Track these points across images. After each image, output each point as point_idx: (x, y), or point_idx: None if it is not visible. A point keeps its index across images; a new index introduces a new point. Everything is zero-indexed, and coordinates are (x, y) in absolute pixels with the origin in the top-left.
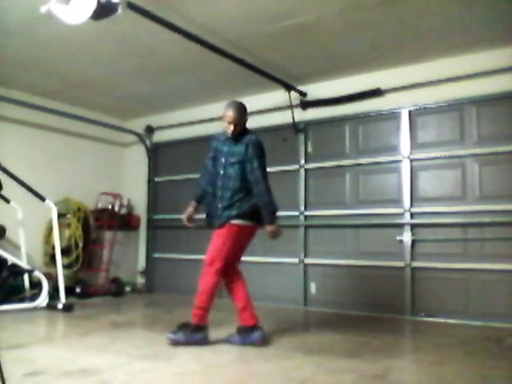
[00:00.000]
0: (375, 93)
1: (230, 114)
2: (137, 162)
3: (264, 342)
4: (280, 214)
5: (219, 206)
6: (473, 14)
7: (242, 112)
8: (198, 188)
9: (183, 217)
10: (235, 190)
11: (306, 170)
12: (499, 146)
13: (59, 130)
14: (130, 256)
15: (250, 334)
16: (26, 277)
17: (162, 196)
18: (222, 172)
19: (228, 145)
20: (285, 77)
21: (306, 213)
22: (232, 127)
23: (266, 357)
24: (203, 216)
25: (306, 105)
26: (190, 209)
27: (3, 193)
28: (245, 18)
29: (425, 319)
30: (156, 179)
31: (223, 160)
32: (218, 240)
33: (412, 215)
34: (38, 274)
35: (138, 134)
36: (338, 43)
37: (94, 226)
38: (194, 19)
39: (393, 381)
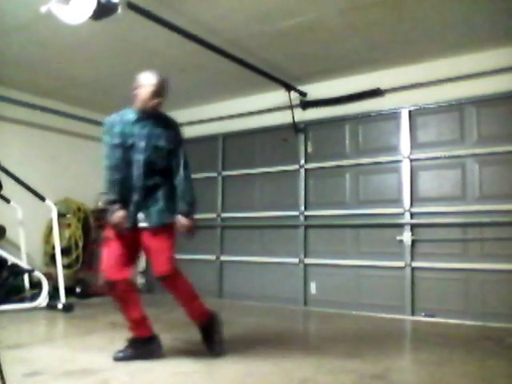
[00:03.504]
0: (375, 93)
1: (160, 83)
2: None
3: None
4: (280, 214)
5: (146, 199)
6: (472, 14)
7: (167, 85)
8: (115, 185)
9: (118, 221)
10: (163, 179)
11: (306, 169)
12: (499, 146)
13: (59, 129)
14: None
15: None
16: (26, 277)
17: None
18: (143, 158)
19: (144, 126)
20: (285, 77)
21: (306, 213)
22: (158, 101)
23: (266, 357)
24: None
25: (306, 105)
26: (121, 210)
27: (3, 193)
28: (245, 18)
29: (425, 319)
30: None
31: (143, 144)
32: (167, 243)
33: (412, 215)
34: (38, 274)
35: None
36: (338, 43)
37: (94, 226)
38: (194, 19)
39: (393, 381)
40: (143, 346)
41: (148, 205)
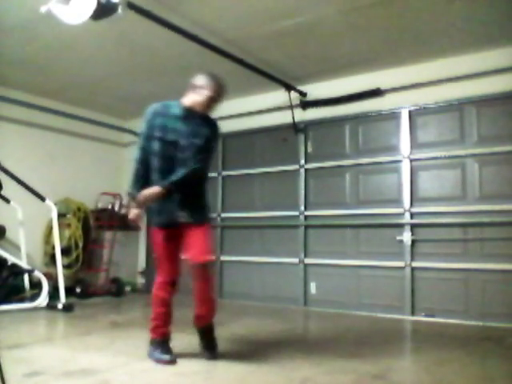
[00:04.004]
0: (375, 93)
1: (220, 91)
2: None
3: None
4: (280, 214)
5: (188, 197)
6: (472, 14)
7: (225, 92)
8: (140, 179)
9: (133, 218)
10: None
11: (306, 169)
12: (499, 146)
13: (59, 129)
14: (129, 256)
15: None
16: (26, 277)
17: None
18: (186, 156)
19: (189, 124)
20: (285, 77)
21: (306, 213)
22: (212, 107)
23: (266, 357)
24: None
25: (305, 105)
26: (138, 209)
27: (3, 193)
28: (245, 18)
29: (425, 319)
30: None
31: (186, 142)
32: (209, 237)
33: (412, 215)
34: (37, 273)
35: (137, 134)
36: (337, 43)
37: (94, 226)
38: (194, 19)
39: (393, 381)
40: (164, 345)
41: (190, 202)
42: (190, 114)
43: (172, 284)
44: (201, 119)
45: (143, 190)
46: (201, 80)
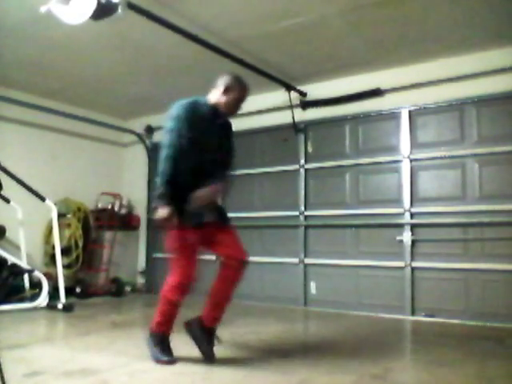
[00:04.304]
0: (375, 93)
1: (246, 95)
2: (137, 161)
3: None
4: (280, 214)
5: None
6: (473, 14)
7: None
8: (173, 179)
9: (166, 217)
10: None
11: (306, 169)
12: (499, 146)
13: (59, 129)
14: (129, 256)
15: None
16: (26, 277)
17: None
18: (214, 157)
19: (216, 124)
20: (285, 77)
21: (306, 213)
22: (237, 110)
23: (265, 357)
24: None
25: (305, 105)
26: (170, 210)
27: (3, 193)
28: (245, 18)
29: (425, 319)
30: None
31: (215, 143)
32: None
33: (412, 215)
34: (37, 274)
35: (137, 134)
36: (338, 43)
37: (94, 226)
38: (194, 19)
39: (393, 381)
40: (163, 343)
41: (215, 202)
42: (216, 113)
43: (183, 288)
44: (223, 119)
45: (199, 191)
46: (228, 81)
